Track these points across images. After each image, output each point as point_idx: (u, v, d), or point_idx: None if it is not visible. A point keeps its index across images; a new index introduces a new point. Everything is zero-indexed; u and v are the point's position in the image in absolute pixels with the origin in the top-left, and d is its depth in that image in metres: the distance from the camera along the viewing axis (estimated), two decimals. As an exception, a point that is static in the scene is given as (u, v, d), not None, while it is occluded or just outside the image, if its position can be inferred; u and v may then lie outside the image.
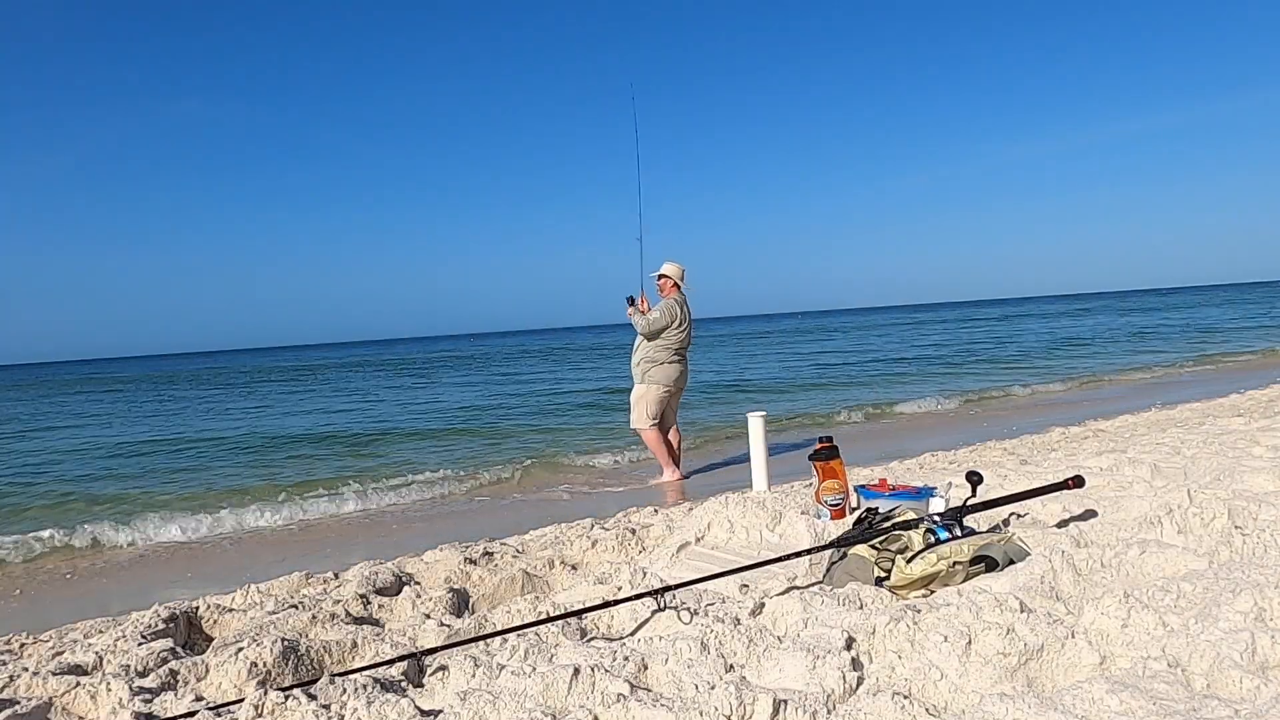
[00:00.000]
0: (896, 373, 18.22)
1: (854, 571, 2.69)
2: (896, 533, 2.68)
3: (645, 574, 3.14)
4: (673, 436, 7.57)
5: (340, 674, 2.30)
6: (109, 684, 2.39)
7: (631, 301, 7.46)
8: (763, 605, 2.53)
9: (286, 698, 2.08)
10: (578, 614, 2.63)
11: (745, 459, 5.15)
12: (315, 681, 2.22)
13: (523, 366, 32.21)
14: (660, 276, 7.53)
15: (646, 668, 2.17)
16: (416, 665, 2.41)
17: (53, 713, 2.35)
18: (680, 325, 7.31)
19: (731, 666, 2.15)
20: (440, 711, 2.05)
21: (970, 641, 2.04)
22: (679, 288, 7.44)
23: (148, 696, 2.37)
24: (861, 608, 2.42)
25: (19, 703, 2.33)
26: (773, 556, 2.81)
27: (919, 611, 2.22)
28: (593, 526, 4.45)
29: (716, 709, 1.84)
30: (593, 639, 2.53)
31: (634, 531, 4.01)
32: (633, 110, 8.10)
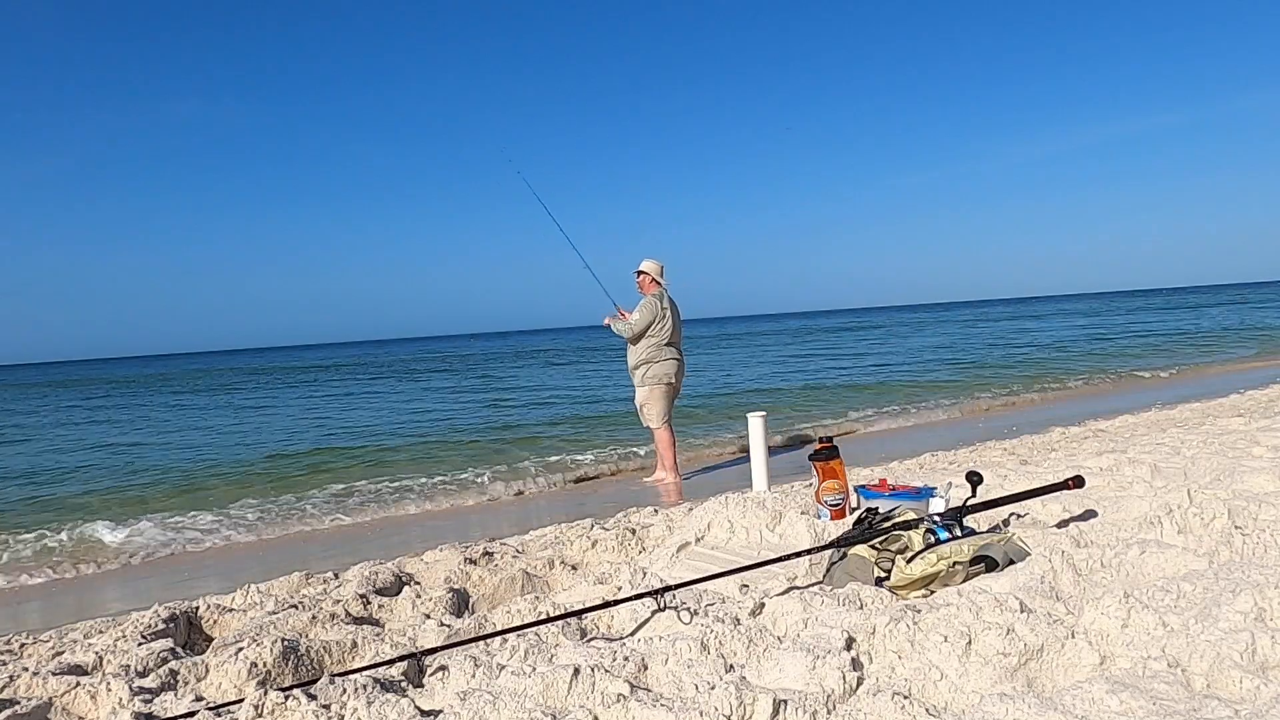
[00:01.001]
0: (900, 375, 18.21)
1: (854, 571, 2.70)
2: (896, 533, 2.68)
3: (645, 574, 3.14)
4: None
5: (340, 674, 2.29)
6: (109, 684, 2.39)
7: (609, 322, 7.52)
8: (763, 605, 2.53)
9: (286, 698, 2.08)
10: (578, 614, 2.63)
11: (745, 459, 5.16)
12: (315, 681, 2.22)
13: (522, 367, 32.21)
14: (639, 273, 7.56)
15: (646, 668, 2.17)
16: (416, 665, 2.41)
17: (53, 713, 2.35)
18: (665, 319, 7.32)
19: (731, 666, 2.15)
20: (440, 711, 2.05)
21: (970, 641, 2.04)
22: (658, 283, 7.46)
23: (148, 696, 2.37)
24: (861, 608, 2.42)
25: (19, 703, 2.33)
26: (773, 556, 2.81)
27: (919, 611, 2.22)
28: (593, 526, 4.45)
29: (716, 709, 1.84)
30: (593, 639, 2.53)
31: (634, 531, 4.01)
32: (520, 174, 8.47)
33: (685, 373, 7.62)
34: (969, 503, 2.86)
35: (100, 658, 2.76)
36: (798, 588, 2.67)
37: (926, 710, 1.82)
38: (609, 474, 8.40)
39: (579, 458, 9.18)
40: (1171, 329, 27.84)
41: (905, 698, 1.85)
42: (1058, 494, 3.17)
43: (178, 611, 3.23)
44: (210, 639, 3.15)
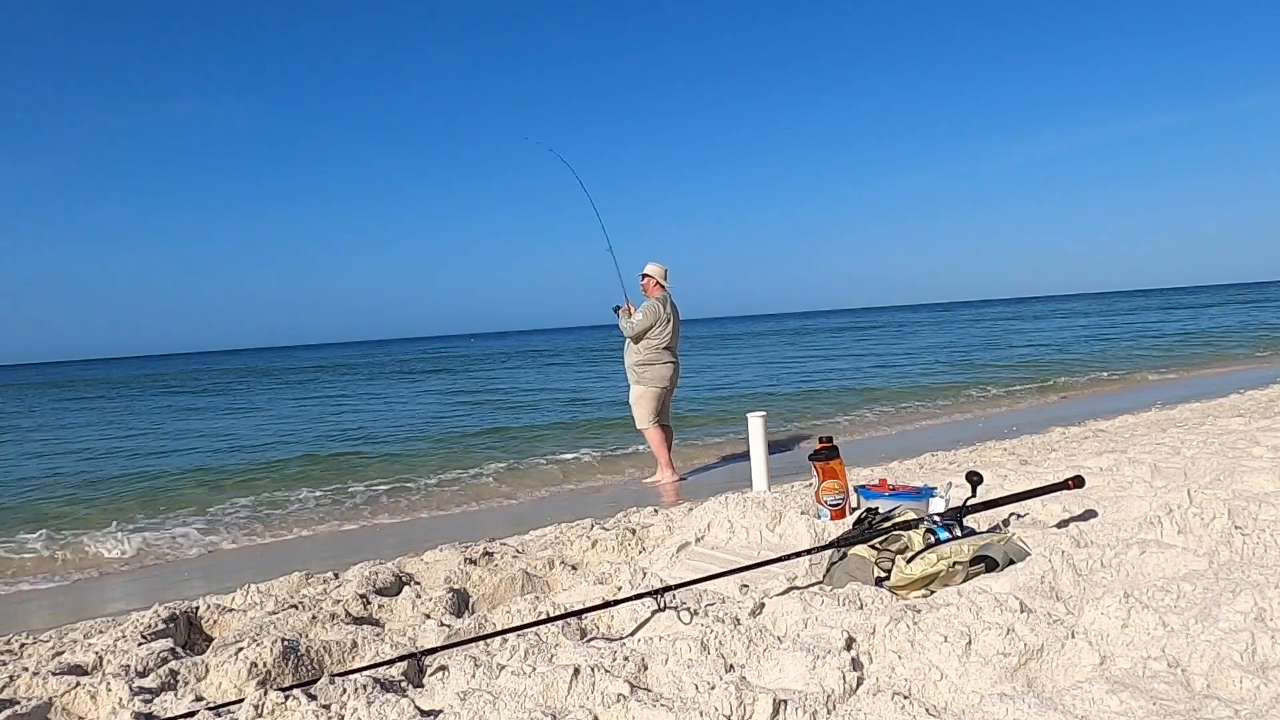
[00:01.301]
0: (900, 375, 18.20)
1: (854, 571, 2.70)
2: (896, 533, 2.68)
3: (645, 574, 3.14)
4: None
5: (340, 674, 2.29)
6: (109, 684, 2.39)
7: (618, 310, 7.60)
8: (763, 605, 2.53)
9: (286, 698, 2.08)
10: (578, 614, 2.63)
11: (745, 459, 5.16)
12: (315, 681, 2.22)
13: (521, 368, 32.21)
14: (644, 276, 7.66)
15: (646, 668, 2.17)
16: (416, 665, 2.41)
17: (53, 713, 2.35)
18: (666, 324, 7.43)
19: (731, 666, 2.15)
20: (440, 711, 2.05)
21: (970, 641, 2.04)
22: (662, 287, 7.56)
23: (148, 696, 2.37)
24: (861, 608, 2.42)
25: (19, 703, 2.33)
26: (773, 556, 2.81)
27: (919, 611, 2.22)
28: (593, 526, 4.45)
29: (716, 709, 1.84)
30: (593, 639, 2.53)
31: (634, 531, 4.01)
32: (563, 160, 8.50)
33: (680, 376, 7.69)
34: (969, 503, 2.86)
35: (100, 658, 2.75)
36: (798, 588, 2.67)
37: (926, 710, 1.82)
38: (609, 474, 8.40)
39: (578, 457, 9.19)
40: (1171, 329, 27.84)
41: (905, 698, 1.85)
42: (1058, 494, 3.17)
43: (178, 611, 3.23)
44: (210, 639, 3.15)
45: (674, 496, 6.85)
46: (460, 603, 3.32)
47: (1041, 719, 1.66)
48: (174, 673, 2.51)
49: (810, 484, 3.60)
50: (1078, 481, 3.05)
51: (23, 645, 3.28)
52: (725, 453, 9.07)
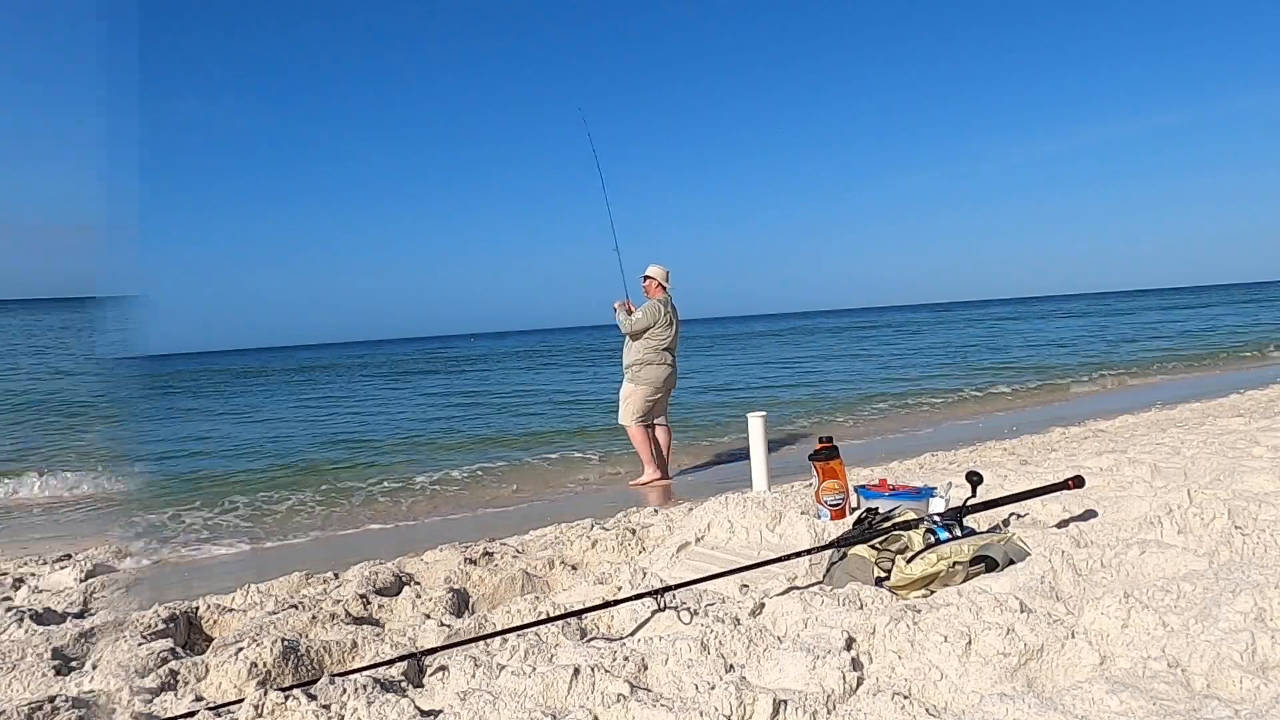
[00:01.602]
0: (900, 375, 18.21)
1: (854, 571, 2.70)
2: (896, 533, 2.68)
3: (645, 574, 3.14)
4: (663, 435, 7.66)
5: (340, 674, 2.29)
6: (109, 684, 2.39)
7: (617, 307, 7.64)
8: (763, 605, 2.53)
9: (286, 698, 2.08)
10: (578, 614, 2.63)
11: (744, 459, 5.15)
12: (315, 681, 2.22)
13: (520, 368, 32.20)
14: (645, 278, 7.68)
15: (646, 668, 2.17)
16: (416, 665, 2.41)
17: (52, 713, 2.35)
18: (665, 326, 7.45)
19: (731, 666, 2.15)
20: (440, 711, 2.05)
21: (970, 641, 2.04)
22: (664, 289, 7.57)
23: (148, 696, 2.37)
24: (861, 608, 2.42)
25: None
26: (773, 556, 2.81)
27: (919, 611, 2.22)
28: (593, 526, 4.45)
29: (716, 709, 1.84)
30: (593, 639, 2.54)
31: (634, 531, 4.01)
32: (586, 131, 8.43)
33: (677, 379, 7.70)
34: (969, 503, 2.86)
35: (100, 657, 2.75)
36: (798, 588, 2.67)
37: (926, 710, 1.82)
38: (609, 474, 8.40)
39: (578, 458, 9.19)
40: (1171, 329, 27.85)
41: (905, 698, 1.85)
42: (1058, 494, 3.17)
43: (178, 611, 3.22)
44: (210, 639, 3.15)
45: (661, 495, 6.86)
46: (460, 603, 3.32)
47: (1041, 719, 1.66)
48: (174, 673, 2.51)
49: (810, 484, 3.60)
50: (1078, 481, 3.05)
51: (23, 645, 3.28)
52: (725, 452, 9.07)
